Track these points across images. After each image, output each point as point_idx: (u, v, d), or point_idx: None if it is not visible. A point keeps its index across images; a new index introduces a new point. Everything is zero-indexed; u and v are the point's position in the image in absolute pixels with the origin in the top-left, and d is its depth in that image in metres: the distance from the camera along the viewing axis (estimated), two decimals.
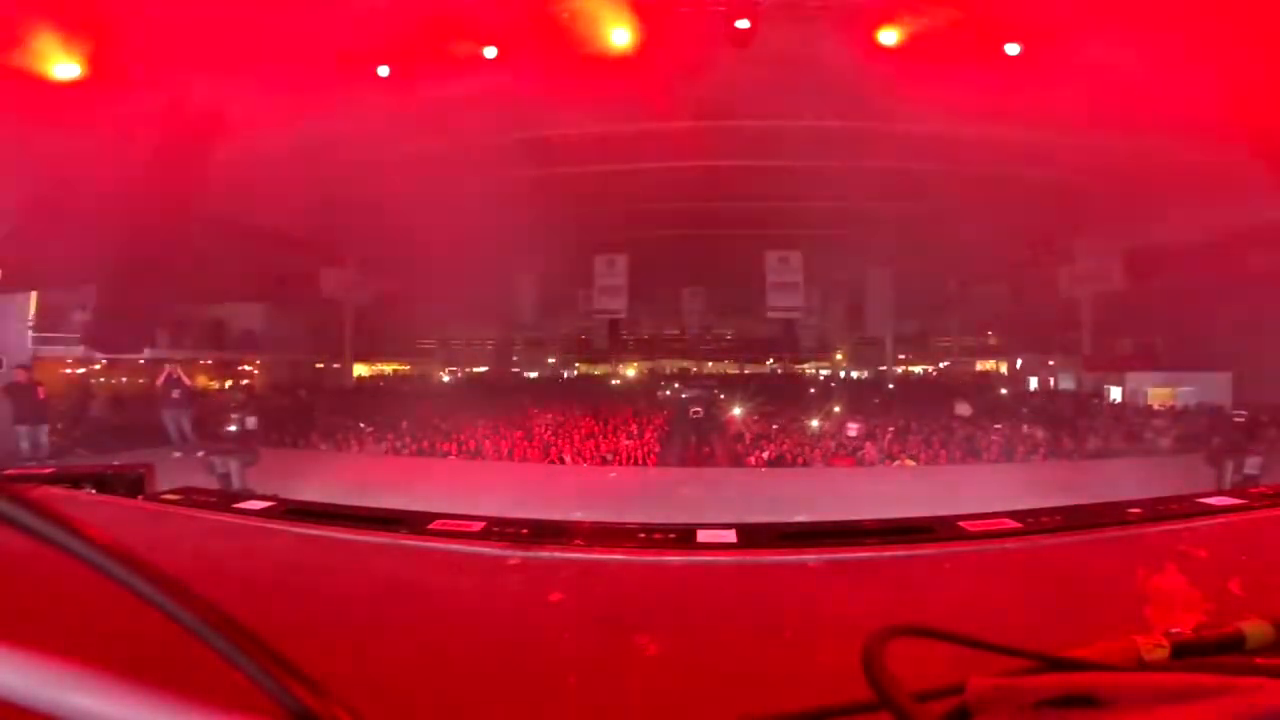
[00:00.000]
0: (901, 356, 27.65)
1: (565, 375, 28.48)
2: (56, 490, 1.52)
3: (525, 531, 1.30)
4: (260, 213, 15.59)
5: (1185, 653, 0.60)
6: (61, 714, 0.32)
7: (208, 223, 12.52)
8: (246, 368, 19.60)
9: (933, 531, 1.29)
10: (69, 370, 14.24)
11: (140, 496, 1.61)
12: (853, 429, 13.50)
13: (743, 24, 9.66)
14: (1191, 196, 13.56)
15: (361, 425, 14.49)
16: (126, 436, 11.41)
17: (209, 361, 18.10)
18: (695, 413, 15.94)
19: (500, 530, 1.29)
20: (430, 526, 1.32)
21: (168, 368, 11.14)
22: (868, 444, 12.90)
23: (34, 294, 12.75)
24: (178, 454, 9.54)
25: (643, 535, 1.33)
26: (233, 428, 11.80)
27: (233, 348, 18.56)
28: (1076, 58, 10.01)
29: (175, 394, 10.71)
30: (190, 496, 1.61)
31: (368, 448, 13.12)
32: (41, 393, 9.73)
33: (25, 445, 9.23)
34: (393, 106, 12.66)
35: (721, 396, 19.58)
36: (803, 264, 20.52)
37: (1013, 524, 1.32)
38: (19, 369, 10.06)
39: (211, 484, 5.17)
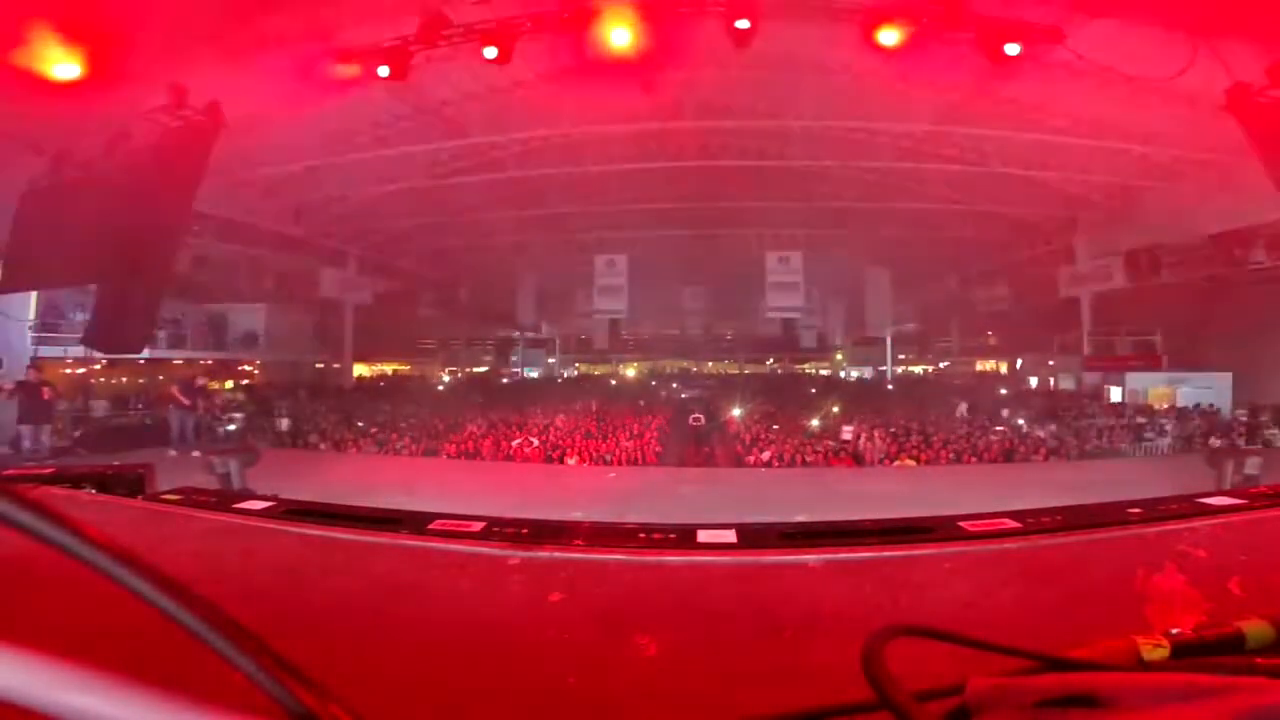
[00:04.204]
0: (901, 356, 27.65)
1: (565, 375, 28.46)
2: (56, 490, 1.52)
3: (525, 531, 1.29)
4: (260, 212, 15.61)
5: (1185, 653, 0.60)
6: (61, 714, 0.32)
7: (207, 223, 12.52)
8: (246, 368, 19.59)
9: (932, 531, 1.29)
10: (69, 370, 14.22)
11: (140, 496, 1.61)
12: (848, 431, 13.50)
13: (743, 24, 9.65)
14: (1190, 196, 13.56)
15: (360, 425, 14.50)
16: (126, 437, 11.40)
17: (209, 361, 18.08)
18: (695, 419, 15.94)
19: (500, 530, 1.29)
20: (430, 526, 1.31)
21: (196, 375, 11.18)
22: (867, 444, 12.90)
23: (34, 294, 12.73)
24: (173, 453, 9.54)
25: (643, 535, 1.32)
26: (234, 428, 11.79)
27: (233, 348, 18.53)
28: (1075, 57, 10.01)
29: (187, 399, 10.74)
30: (190, 496, 1.61)
31: (367, 448, 13.13)
32: (46, 393, 9.73)
33: (27, 444, 9.23)
34: (393, 106, 12.68)
35: (721, 397, 19.57)
36: (803, 264, 20.51)
37: (1012, 524, 1.31)
38: (30, 367, 10.06)
39: (211, 484, 5.16)
